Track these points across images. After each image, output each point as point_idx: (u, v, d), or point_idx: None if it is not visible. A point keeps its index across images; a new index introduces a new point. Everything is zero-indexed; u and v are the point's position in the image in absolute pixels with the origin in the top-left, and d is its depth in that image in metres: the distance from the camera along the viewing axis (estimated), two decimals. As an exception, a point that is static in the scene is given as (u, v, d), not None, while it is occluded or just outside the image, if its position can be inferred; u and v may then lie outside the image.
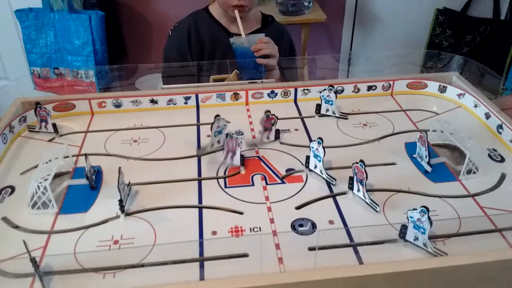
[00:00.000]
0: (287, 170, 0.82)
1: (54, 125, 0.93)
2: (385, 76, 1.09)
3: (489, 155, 0.86)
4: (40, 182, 0.71)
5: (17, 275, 0.60)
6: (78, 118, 0.99)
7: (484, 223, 0.69)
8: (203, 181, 0.79)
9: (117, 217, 0.71)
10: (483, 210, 0.72)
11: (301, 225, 0.69)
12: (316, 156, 0.78)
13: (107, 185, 0.79)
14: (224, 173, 0.81)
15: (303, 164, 0.83)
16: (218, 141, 0.87)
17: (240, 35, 1.23)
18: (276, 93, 1.04)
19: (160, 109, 1.02)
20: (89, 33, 2.10)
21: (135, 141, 0.92)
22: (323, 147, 0.76)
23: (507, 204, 0.73)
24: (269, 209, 0.72)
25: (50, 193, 0.71)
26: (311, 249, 0.64)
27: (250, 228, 0.68)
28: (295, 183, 0.79)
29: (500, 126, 0.91)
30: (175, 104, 1.02)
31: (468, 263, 0.59)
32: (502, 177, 0.80)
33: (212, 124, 0.84)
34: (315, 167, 0.80)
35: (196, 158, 0.86)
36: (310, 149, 0.79)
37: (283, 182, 0.79)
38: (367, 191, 0.72)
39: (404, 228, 0.65)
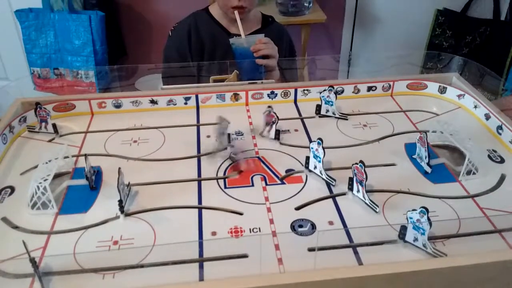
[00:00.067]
0: (286, 171, 0.82)
1: (54, 126, 0.93)
2: (385, 76, 1.09)
3: (489, 156, 0.86)
4: (40, 183, 0.71)
5: (16, 275, 0.60)
6: (78, 119, 0.99)
7: (483, 224, 0.69)
8: (202, 182, 0.79)
9: (117, 217, 0.71)
10: (483, 211, 0.72)
11: (300, 226, 0.69)
12: (316, 156, 0.78)
13: (107, 185, 0.79)
14: (224, 174, 0.81)
15: (302, 165, 0.83)
16: (221, 142, 0.87)
17: (240, 35, 1.23)
18: (276, 94, 1.04)
19: (160, 110, 1.02)
20: (89, 34, 2.11)
21: (135, 141, 0.92)
22: (323, 148, 0.76)
23: (507, 205, 0.73)
24: (269, 209, 0.72)
25: (50, 193, 0.71)
26: (311, 249, 0.64)
27: (250, 229, 0.68)
28: (294, 183, 0.79)
29: (500, 127, 0.91)
30: (175, 104, 1.02)
31: (467, 264, 0.59)
32: (502, 178, 0.80)
33: (217, 126, 0.85)
34: (315, 167, 0.80)
35: (196, 158, 0.86)
36: (310, 150, 0.79)
37: (283, 183, 0.79)
38: (366, 191, 0.72)
39: (403, 229, 0.64)
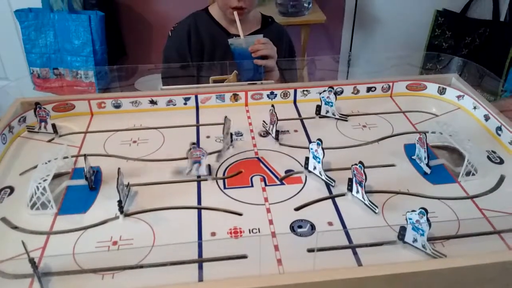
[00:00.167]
0: (286, 171, 0.82)
1: (53, 126, 0.93)
2: (385, 77, 1.09)
3: (488, 157, 0.86)
4: (39, 183, 0.71)
5: (16, 275, 0.60)
6: (77, 119, 0.99)
7: (483, 225, 0.69)
8: (202, 182, 0.79)
9: (116, 218, 0.71)
10: (482, 212, 0.72)
11: (300, 227, 0.69)
12: (315, 157, 0.78)
13: (106, 185, 0.78)
14: (224, 174, 0.81)
15: (302, 166, 0.83)
16: (227, 142, 0.87)
17: (239, 36, 1.23)
18: (276, 94, 1.04)
19: (159, 110, 1.02)
20: (88, 34, 2.10)
21: (134, 141, 0.92)
22: (323, 149, 0.76)
23: (506, 206, 0.73)
24: (268, 210, 0.72)
25: (49, 193, 0.71)
26: (310, 250, 0.64)
27: (249, 230, 0.68)
28: (294, 184, 0.79)
29: (499, 128, 0.91)
30: (175, 105, 1.02)
31: (467, 265, 0.59)
32: (501, 179, 0.80)
33: (223, 125, 0.85)
34: (314, 168, 0.80)
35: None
36: (309, 150, 0.79)
37: (282, 184, 0.79)
38: (366, 192, 0.72)
39: (403, 229, 0.65)
